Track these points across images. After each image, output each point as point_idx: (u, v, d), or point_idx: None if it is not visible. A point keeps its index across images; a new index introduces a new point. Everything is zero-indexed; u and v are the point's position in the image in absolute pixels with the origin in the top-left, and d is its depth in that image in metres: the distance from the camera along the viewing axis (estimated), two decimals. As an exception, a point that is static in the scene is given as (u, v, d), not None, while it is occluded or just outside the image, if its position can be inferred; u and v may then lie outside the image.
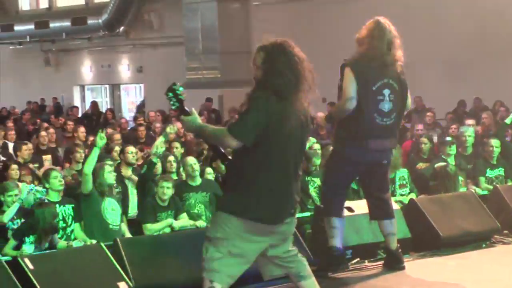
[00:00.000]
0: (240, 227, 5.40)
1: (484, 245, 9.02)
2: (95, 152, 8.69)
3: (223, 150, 5.69)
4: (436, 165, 10.71)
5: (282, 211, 5.53)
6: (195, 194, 9.41)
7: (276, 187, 5.44)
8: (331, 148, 8.27)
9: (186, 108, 5.69)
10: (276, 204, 5.46)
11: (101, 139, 8.77)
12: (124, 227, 8.98)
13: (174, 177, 10.05)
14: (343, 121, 7.52)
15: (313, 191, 9.93)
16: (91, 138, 12.90)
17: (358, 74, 7.37)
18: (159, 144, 9.75)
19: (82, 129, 13.98)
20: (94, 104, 25.24)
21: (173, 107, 5.74)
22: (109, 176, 8.87)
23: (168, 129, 10.41)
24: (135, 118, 17.95)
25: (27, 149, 11.94)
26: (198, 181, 9.53)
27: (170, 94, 5.73)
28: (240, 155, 5.42)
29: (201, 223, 9.04)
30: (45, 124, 16.97)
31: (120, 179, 9.92)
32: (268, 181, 5.41)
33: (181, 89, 5.73)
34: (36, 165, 11.71)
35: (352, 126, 7.45)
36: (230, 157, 5.61)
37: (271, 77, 5.43)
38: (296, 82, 5.43)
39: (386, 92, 7.47)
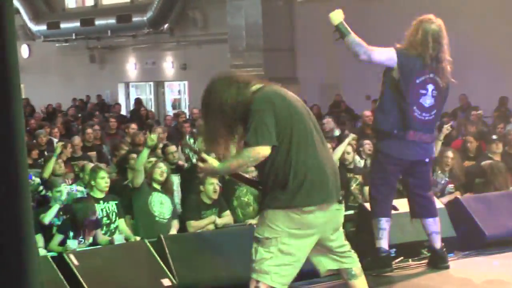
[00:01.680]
0: (287, 222, 5.26)
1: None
2: (146, 152, 8.87)
3: (247, 176, 5.65)
4: (482, 163, 10.63)
5: (326, 191, 5.31)
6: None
7: (311, 167, 5.25)
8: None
9: (203, 156, 5.50)
10: (317, 183, 5.26)
11: (151, 141, 8.99)
12: (175, 223, 9.03)
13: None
14: (382, 115, 7.47)
15: (355, 188, 9.90)
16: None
17: (402, 62, 7.31)
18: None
19: (133, 126, 14.05)
20: (138, 101, 25.39)
21: (194, 160, 5.74)
22: (159, 172, 9.02)
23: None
24: (177, 115, 18.01)
25: (70, 147, 12.03)
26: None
27: (187, 150, 5.77)
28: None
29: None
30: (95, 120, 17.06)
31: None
32: (302, 163, 5.23)
33: (191, 140, 5.75)
34: (85, 162, 11.80)
35: (390, 118, 7.40)
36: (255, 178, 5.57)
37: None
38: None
39: (430, 87, 7.41)
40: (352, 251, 5.66)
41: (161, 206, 8.91)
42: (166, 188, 9.11)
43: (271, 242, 5.26)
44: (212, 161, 5.42)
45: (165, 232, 8.45)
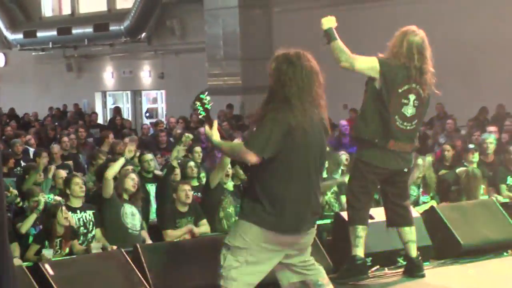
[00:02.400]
0: (260, 237, 5.40)
1: (505, 254, 8.97)
2: (121, 161, 8.86)
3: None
4: (457, 170, 10.70)
5: (304, 222, 5.52)
6: (230, 197, 9.45)
7: (298, 197, 5.44)
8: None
9: (211, 118, 5.77)
10: (298, 214, 5.46)
11: (129, 152, 9.07)
12: (145, 234, 9.01)
13: (195, 182, 10.07)
14: (364, 123, 7.51)
15: (331, 197, 9.93)
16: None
17: (385, 72, 7.35)
18: (180, 149, 9.82)
19: (111, 136, 13.96)
20: (117, 110, 25.32)
21: (200, 116, 5.85)
22: (132, 183, 8.94)
23: (183, 138, 10.58)
24: (155, 124, 18.00)
25: (45, 156, 11.95)
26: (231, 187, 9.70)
27: (197, 104, 5.81)
28: (261, 165, 5.42)
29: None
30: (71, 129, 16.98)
31: (142, 185, 9.96)
32: (290, 192, 5.42)
33: (208, 98, 5.80)
34: (67, 171, 11.73)
35: (372, 126, 7.43)
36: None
37: (280, 87, 5.44)
38: (302, 92, 5.42)
39: (412, 97, 7.45)
40: (317, 263, 5.77)
41: (133, 217, 8.83)
42: (135, 199, 9.04)
43: (240, 252, 5.39)
44: (215, 133, 5.65)
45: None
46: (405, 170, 7.64)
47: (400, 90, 7.38)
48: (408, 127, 7.46)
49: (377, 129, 7.42)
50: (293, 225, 5.45)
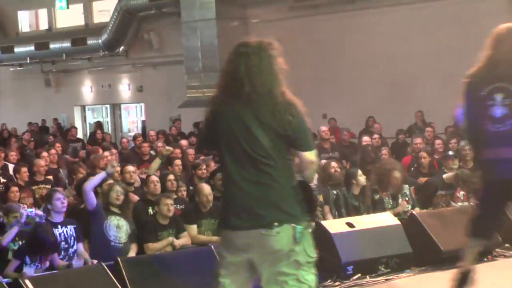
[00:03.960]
0: (219, 243, 5.18)
1: (485, 259, 9.02)
2: (101, 175, 8.88)
3: None
4: (445, 175, 10.74)
5: (246, 216, 4.98)
6: (205, 220, 9.46)
7: (234, 190, 5.04)
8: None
9: None
10: (234, 209, 5.03)
11: (112, 167, 9.13)
12: (133, 247, 8.97)
13: (174, 195, 10.07)
14: (467, 138, 7.11)
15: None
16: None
17: (468, 83, 6.81)
18: (155, 165, 9.90)
19: (101, 151, 13.87)
20: (98, 125, 25.24)
21: None
22: (115, 195, 8.97)
23: (164, 151, 10.63)
24: (134, 138, 17.95)
25: (25, 171, 11.91)
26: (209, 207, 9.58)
27: None
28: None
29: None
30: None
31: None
32: (228, 185, 5.11)
33: None
34: (49, 186, 11.68)
35: (471, 139, 7.00)
36: None
37: (220, 76, 5.28)
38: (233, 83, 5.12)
39: (498, 97, 6.76)
40: (304, 280, 5.03)
41: (118, 230, 8.84)
42: (124, 210, 9.05)
43: (219, 261, 5.21)
44: None
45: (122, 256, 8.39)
46: None
47: (483, 93, 6.73)
48: (501, 129, 6.69)
49: (473, 140, 6.98)
50: (234, 220, 5.01)
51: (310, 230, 5.07)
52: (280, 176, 5.02)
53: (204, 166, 11.13)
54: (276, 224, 4.95)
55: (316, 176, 10.60)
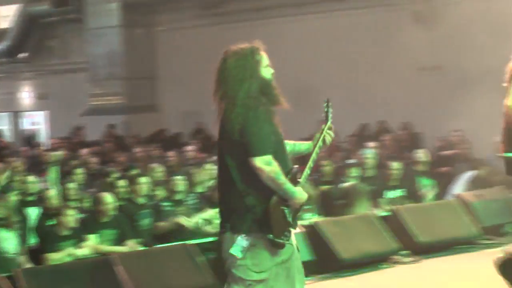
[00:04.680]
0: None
1: (384, 266, 9.19)
2: None
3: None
4: (342, 185, 10.89)
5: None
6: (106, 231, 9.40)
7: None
8: None
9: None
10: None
11: (6, 178, 8.90)
12: (23, 258, 8.82)
13: (75, 204, 9.96)
14: None
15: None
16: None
17: None
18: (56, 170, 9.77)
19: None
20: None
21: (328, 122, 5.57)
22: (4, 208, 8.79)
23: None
24: (33, 146, 17.67)
25: None
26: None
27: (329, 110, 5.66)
28: None
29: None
30: None
31: (21, 208, 9.79)
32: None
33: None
34: None
35: None
36: None
37: None
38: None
39: None
40: None
41: (5, 241, 8.66)
42: (8, 223, 8.86)
43: None
44: None
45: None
46: None
47: None
48: None
49: None
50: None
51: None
52: (237, 186, 4.89)
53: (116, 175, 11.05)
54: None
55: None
